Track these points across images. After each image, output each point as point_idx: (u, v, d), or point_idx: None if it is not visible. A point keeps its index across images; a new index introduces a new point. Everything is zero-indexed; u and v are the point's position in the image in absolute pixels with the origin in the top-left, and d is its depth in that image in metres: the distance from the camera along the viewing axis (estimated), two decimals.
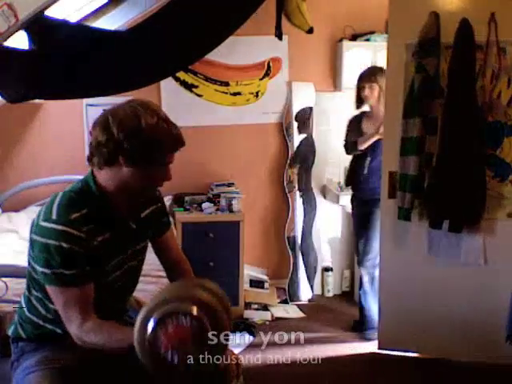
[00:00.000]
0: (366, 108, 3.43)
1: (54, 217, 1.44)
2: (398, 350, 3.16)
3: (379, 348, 3.20)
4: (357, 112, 3.47)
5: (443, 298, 3.03)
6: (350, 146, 3.41)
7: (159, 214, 1.75)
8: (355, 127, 3.42)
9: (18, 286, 2.23)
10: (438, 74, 2.82)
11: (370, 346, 3.26)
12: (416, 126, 2.83)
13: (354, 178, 3.44)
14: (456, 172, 2.81)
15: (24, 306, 1.65)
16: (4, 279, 2.04)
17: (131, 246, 1.64)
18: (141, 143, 1.44)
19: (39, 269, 1.46)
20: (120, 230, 1.58)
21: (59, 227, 1.43)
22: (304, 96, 4.02)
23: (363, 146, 3.29)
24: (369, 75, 3.30)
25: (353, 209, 3.56)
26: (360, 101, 3.38)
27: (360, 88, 3.33)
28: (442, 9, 2.81)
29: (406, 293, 3.10)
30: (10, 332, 1.68)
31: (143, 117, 1.46)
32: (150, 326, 1.28)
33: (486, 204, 2.84)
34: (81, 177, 1.60)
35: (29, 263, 1.56)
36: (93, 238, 1.49)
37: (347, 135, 3.46)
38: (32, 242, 1.48)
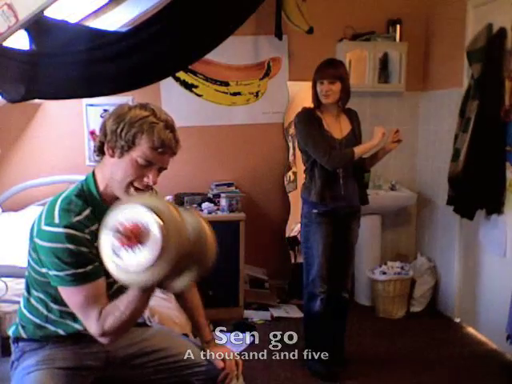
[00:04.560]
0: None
1: (56, 221, 1.43)
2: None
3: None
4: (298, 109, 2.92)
5: (485, 283, 3.36)
6: (341, 156, 2.74)
7: None
8: (321, 131, 2.77)
9: (18, 286, 2.23)
10: (482, 79, 3.12)
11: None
12: (457, 125, 3.35)
13: (329, 191, 2.81)
14: (480, 165, 3.14)
15: (24, 307, 1.64)
16: (4, 279, 2.04)
17: None
18: (123, 128, 1.44)
19: (51, 272, 1.45)
20: None
21: (62, 230, 1.42)
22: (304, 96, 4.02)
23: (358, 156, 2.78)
24: (331, 68, 2.76)
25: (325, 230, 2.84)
26: (317, 97, 2.80)
27: (318, 83, 2.77)
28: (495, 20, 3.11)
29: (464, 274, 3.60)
30: (10, 332, 1.67)
31: (135, 108, 1.47)
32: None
33: (503, 197, 3.08)
34: (81, 177, 1.61)
35: (28, 264, 1.56)
36: (97, 238, 1.49)
37: (318, 142, 2.74)
38: (35, 246, 1.47)
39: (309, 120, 2.81)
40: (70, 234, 1.42)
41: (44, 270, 1.48)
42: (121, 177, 1.48)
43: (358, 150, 2.76)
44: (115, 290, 1.57)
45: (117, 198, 1.52)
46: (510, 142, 3.02)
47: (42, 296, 1.57)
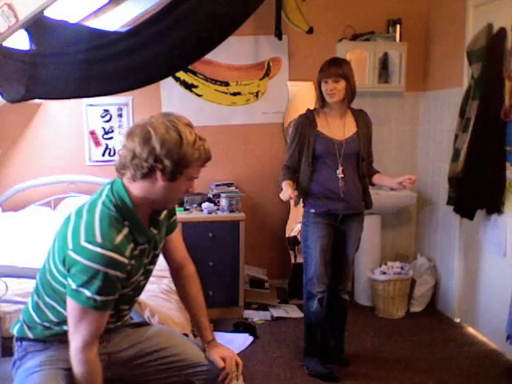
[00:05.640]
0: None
1: (98, 240, 1.41)
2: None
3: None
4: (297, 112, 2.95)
5: (485, 283, 3.36)
6: (281, 178, 2.84)
7: (170, 215, 1.76)
8: (312, 133, 2.81)
9: (18, 285, 2.23)
10: (482, 79, 3.14)
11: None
12: (457, 125, 3.36)
13: (328, 192, 2.82)
14: (480, 165, 3.15)
15: (33, 310, 1.63)
16: (4, 279, 2.04)
17: (153, 250, 1.65)
18: (180, 159, 1.46)
19: (73, 285, 1.43)
20: (147, 241, 1.59)
21: (107, 253, 1.40)
22: (304, 96, 4.02)
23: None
24: (335, 67, 2.77)
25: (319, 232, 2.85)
26: (322, 97, 2.82)
27: (323, 82, 2.79)
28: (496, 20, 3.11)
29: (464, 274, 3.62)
30: (15, 331, 1.66)
31: (184, 133, 1.47)
32: None
33: (502, 197, 3.07)
34: (80, 177, 1.60)
35: (50, 273, 1.54)
36: (132, 257, 1.50)
37: (289, 153, 2.88)
38: (66, 258, 1.44)
39: (299, 128, 2.85)
40: (113, 258, 1.41)
41: (69, 282, 1.45)
42: (173, 196, 1.57)
43: (284, 185, 2.75)
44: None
45: (149, 210, 1.57)
46: (510, 142, 3.03)
47: (54, 304, 1.56)
